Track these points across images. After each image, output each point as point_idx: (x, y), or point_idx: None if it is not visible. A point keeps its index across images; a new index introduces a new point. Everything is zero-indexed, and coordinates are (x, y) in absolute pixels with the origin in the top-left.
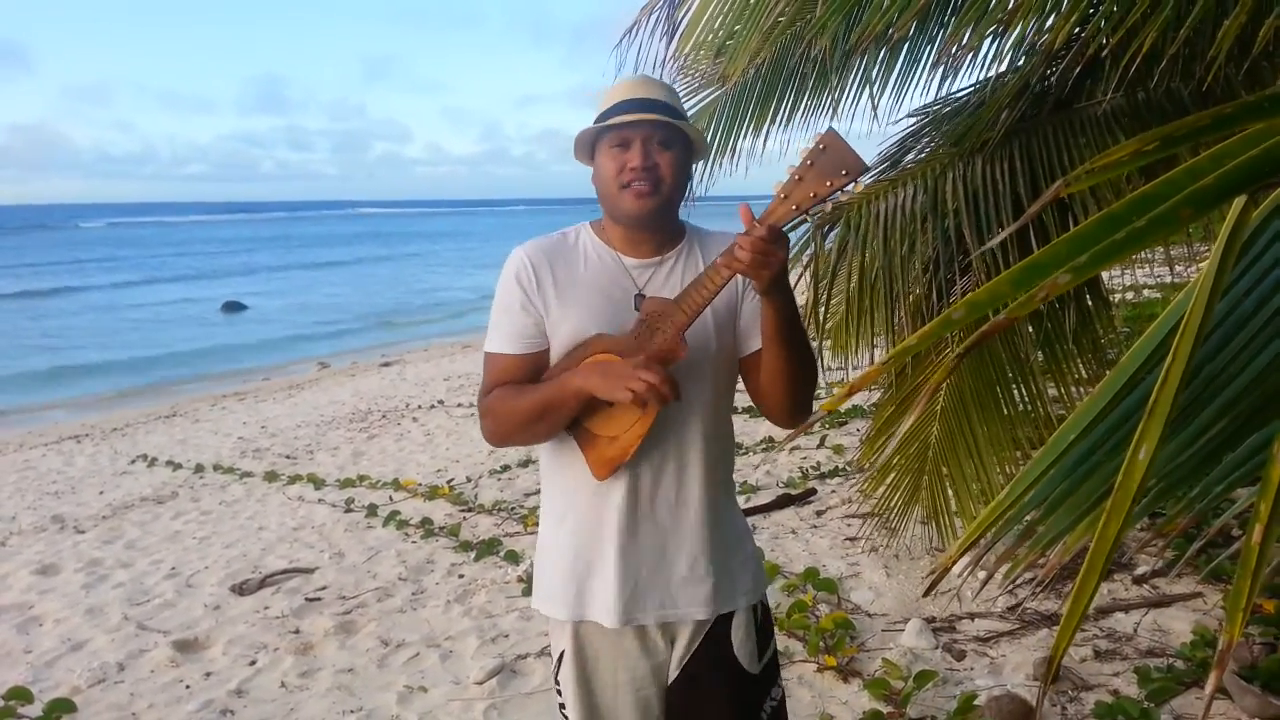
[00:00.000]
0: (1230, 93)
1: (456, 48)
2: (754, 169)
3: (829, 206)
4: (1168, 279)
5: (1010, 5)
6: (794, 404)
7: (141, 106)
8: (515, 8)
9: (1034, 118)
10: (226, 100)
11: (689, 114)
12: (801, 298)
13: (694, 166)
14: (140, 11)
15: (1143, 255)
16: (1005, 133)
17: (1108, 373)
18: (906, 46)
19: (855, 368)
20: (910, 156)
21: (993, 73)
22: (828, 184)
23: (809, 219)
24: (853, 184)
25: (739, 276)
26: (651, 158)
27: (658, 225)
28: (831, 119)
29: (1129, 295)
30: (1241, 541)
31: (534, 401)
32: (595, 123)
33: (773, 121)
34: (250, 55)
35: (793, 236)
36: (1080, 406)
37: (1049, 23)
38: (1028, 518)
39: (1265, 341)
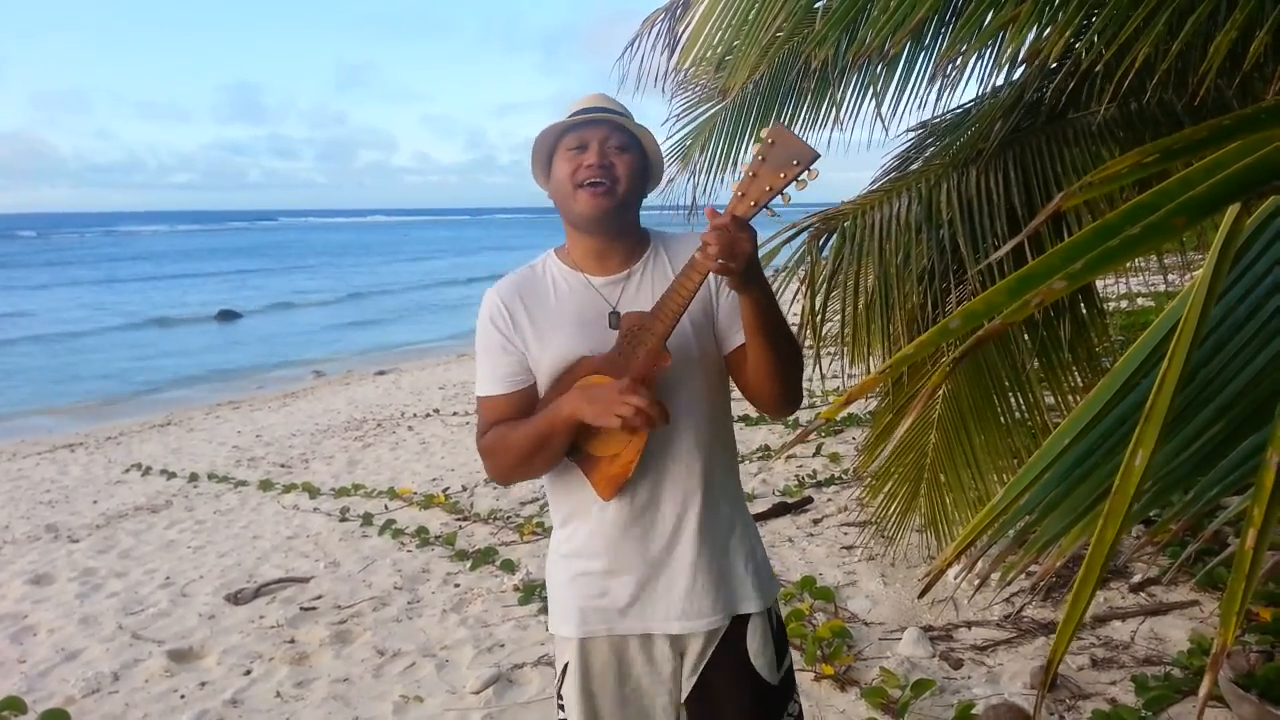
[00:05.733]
0: (1223, 105)
1: (430, 56)
2: None
3: (788, 199)
4: (1161, 287)
5: (1005, 20)
6: (783, 393)
7: (119, 115)
8: (486, 16)
9: (1028, 128)
10: (203, 109)
11: (689, 128)
12: (798, 306)
13: (650, 189)
14: (104, 19)
15: (1136, 264)
16: (999, 143)
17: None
18: (904, 60)
19: (851, 376)
20: (913, 168)
21: (989, 87)
22: (781, 175)
23: (773, 213)
24: (806, 173)
25: (711, 277)
26: (608, 157)
27: (617, 231)
28: (830, 131)
29: (1123, 304)
30: (1235, 546)
31: (528, 435)
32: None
33: None
34: (219, 63)
35: (788, 249)
36: (1076, 410)
37: (1045, 34)
38: (1023, 521)
39: (1260, 346)
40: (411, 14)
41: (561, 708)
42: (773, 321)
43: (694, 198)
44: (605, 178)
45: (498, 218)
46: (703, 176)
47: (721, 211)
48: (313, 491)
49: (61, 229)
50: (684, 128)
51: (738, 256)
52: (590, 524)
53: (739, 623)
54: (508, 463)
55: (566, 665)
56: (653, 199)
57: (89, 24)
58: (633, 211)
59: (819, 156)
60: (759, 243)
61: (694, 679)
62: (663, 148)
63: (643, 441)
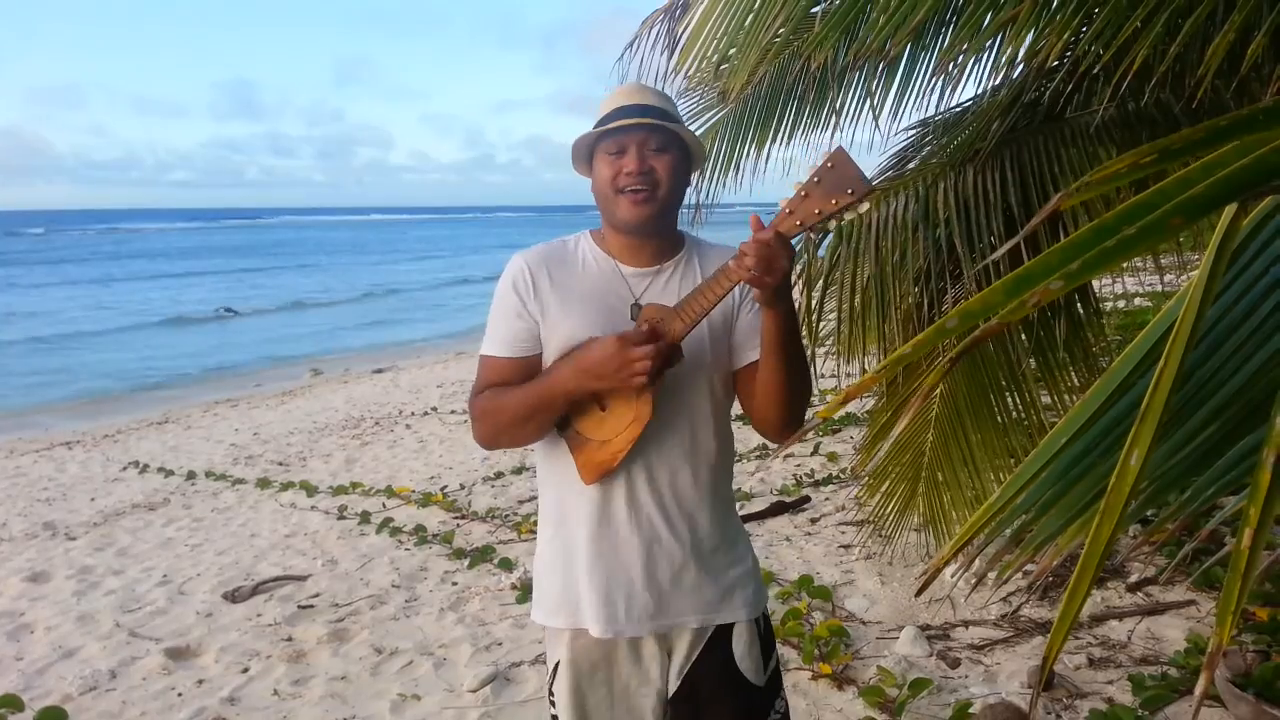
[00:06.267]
0: (1220, 106)
1: (425, 53)
2: (756, 185)
3: (833, 225)
4: (1158, 288)
5: (1004, 21)
6: (787, 418)
7: (115, 111)
8: (480, 12)
9: (1025, 128)
10: (200, 105)
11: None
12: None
13: (693, 174)
14: (98, 14)
15: (1133, 264)
16: (996, 143)
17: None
18: (904, 62)
19: (848, 376)
20: (910, 168)
21: (988, 87)
22: (832, 202)
23: (814, 239)
24: (859, 204)
25: (737, 289)
26: (647, 162)
27: (655, 231)
28: (831, 134)
29: (1120, 304)
30: (1232, 546)
31: (523, 400)
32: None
33: (774, 140)
34: (215, 60)
35: None
36: (1072, 410)
37: (1044, 32)
38: (1020, 520)
39: (1255, 347)
40: (405, 10)
41: (553, 704)
42: (791, 343)
43: (697, 201)
44: (645, 184)
45: (499, 216)
46: (704, 180)
47: (765, 223)
48: (310, 490)
49: (66, 226)
50: None
51: (774, 271)
52: (580, 517)
53: (724, 628)
54: (499, 424)
55: (558, 662)
56: None
57: (83, 19)
58: (674, 212)
59: (875, 190)
60: None
61: (679, 679)
62: None
63: (636, 433)
